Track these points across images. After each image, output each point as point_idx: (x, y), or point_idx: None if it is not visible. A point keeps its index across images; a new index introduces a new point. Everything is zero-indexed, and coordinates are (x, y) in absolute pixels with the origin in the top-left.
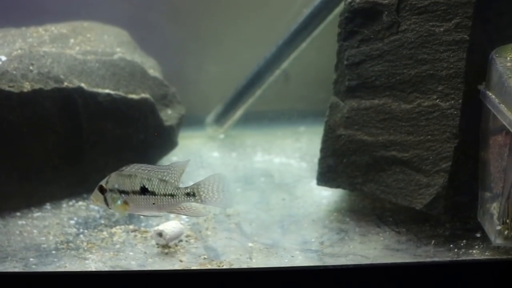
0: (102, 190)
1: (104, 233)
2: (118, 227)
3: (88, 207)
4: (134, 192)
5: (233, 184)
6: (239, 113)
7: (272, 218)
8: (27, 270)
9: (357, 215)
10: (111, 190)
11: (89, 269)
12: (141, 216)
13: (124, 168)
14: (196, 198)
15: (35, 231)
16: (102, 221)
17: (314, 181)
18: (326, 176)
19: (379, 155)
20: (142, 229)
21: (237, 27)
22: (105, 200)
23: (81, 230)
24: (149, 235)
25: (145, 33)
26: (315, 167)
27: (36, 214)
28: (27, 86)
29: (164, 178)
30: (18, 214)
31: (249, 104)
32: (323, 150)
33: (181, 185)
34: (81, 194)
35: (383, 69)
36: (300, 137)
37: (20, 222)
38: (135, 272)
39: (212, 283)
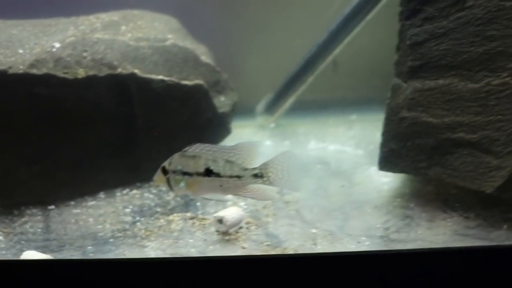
0: (165, 172)
1: (161, 220)
2: (175, 214)
3: (143, 195)
4: (198, 174)
5: None
6: (290, 101)
7: (332, 204)
8: (85, 257)
9: (421, 200)
10: (174, 172)
11: (149, 256)
12: (198, 203)
13: (187, 148)
14: (264, 179)
15: (90, 219)
16: (158, 209)
17: (372, 168)
18: (388, 161)
19: (445, 137)
20: (200, 216)
21: (287, 14)
22: (168, 182)
23: (137, 218)
24: (208, 222)
25: (194, 21)
26: (372, 153)
27: (91, 203)
28: (81, 73)
29: (230, 159)
30: (72, 203)
31: (301, 92)
32: (385, 133)
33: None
34: (134, 183)
35: (448, 47)
36: (352, 125)
37: (74, 211)
38: (197, 258)
39: (277, 269)
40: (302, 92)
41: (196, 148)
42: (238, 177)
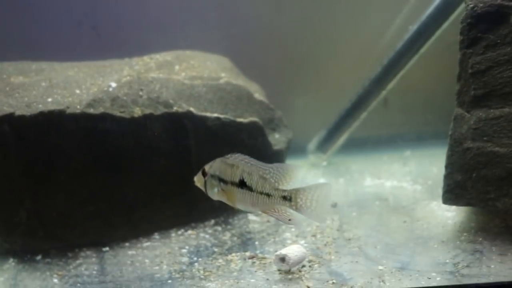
0: (204, 174)
1: (220, 260)
2: (233, 254)
3: (198, 235)
4: (232, 183)
5: (347, 209)
6: (343, 138)
7: (395, 240)
8: None
9: (490, 234)
10: (212, 176)
11: None
12: (256, 242)
13: (229, 156)
14: (292, 203)
15: (146, 260)
16: (215, 249)
17: (434, 203)
18: (453, 194)
19: None
20: (260, 255)
21: (337, 52)
22: (205, 184)
23: (194, 258)
24: (269, 261)
25: (245, 60)
26: (431, 189)
27: (145, 244)
28: (137, 111)
29: (264, 175)
30: (127, 244)
31: (354, 128)
32: (448, 166)
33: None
34: (189, 223)
35: None
36: (407, 161)
37: (130, 252)
38: None
39: None
40: (355, 129)
41: (237, 158)
42: (268, 195)
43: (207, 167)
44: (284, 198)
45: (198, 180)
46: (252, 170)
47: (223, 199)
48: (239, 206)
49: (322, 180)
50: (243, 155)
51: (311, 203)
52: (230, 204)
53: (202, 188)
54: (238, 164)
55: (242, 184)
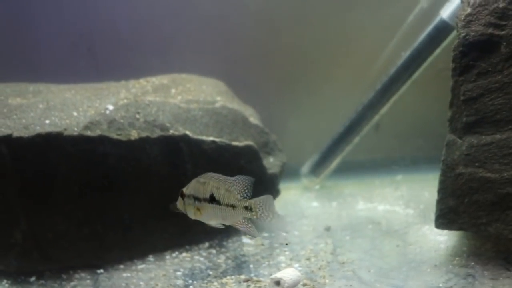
0: (182, 195)
1: (215, 283)
2: (228, 277)
3: (193, 258)
4: (204, 200)
5: (341, 232)
6: (335, 162)
7: (388, 264)
8: None
9: (482, 258)
10: (188, 196)
11: None
12: (251, 265)
13: (201, 175)
14: (253, 213)
15: (141, 283)
16: (210, 272)
17: (425, 227)
18: (446, 218)
19: (505, 192)
20: (255, 278)
21: (330, 76)
22: (184, 205)
23: (189, 281)
24: (264, 285)
25: (239, 84)
26: (423, 213)
27: (140, 266)
28: (134, 134)
29: (230, 188)
30: (122, 266)
31: (346, 152)
32: (441, 190)
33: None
34: (184, 245)
35: (504, 102)
36: (399, 186)
37: (124, 275)
38: None
39: None
40: (347, 153)
41: (207, 176)
42: (233, 206)
43: (184, 189)
44: (246, 208)
45: (179, 204)
46: (219, 185)
47: (199, 217)
48: (212, 222)
49: (315, 204)
50: (212, 173)
51: (267, 211)
52: (205, 222)
53: (183, 210)
54: (209, 181)
55: (212, 199)
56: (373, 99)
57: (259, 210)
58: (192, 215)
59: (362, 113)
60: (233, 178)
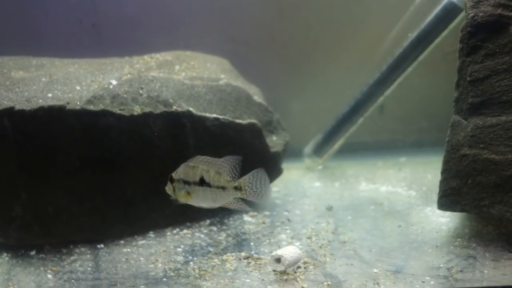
0: (171, 180)
1: (215, 260)
2: (228, 254)
3: (194, 235)
4: (194, 183)
5: (342, 212)
6: (339, 142)
7: (390, 244)
8: None
9: (483, 240)
10: (177, 180)
11: None
12: (251, 243)
13: (191, 159)
14: (242, 192)
15: (141, 259)
16: (210, 249)
17: (428, 208)
18: (448, 199)
19: (509, 174)
20: (255, 255)
21: (335, 57)
22: (174, 190)
23: (189, 257)
24: (264, 262)
25: (245, 63)
26: (425, 195)
27: (141, 242)
28: (137, 110)
29: (219, 170)
30: (122, 242)
31: (350, 133)
32: (444, 171)
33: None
34: (184, 222)
35: (511, 83)
36: (402, 167)
37: (125, 250)
38: None
39: None
40: (351, 134)
41: (197, 159)
42: (223, 188)
43: (173, 174)
44: (236, 188)
45: (168, 188)
46: (209, 167)
47: (190, 200)
48: (203, 204)
49: (317, 184)
50: (202, 156)
51: (256, 187)
52: (195, 205)
53: (172, 195)
54: (198, 164)
55: (202, 182)
56: (378, 80)
57: (249, 188)
58: (182, 198)
59: (367, 94)
60: (221, 160)
